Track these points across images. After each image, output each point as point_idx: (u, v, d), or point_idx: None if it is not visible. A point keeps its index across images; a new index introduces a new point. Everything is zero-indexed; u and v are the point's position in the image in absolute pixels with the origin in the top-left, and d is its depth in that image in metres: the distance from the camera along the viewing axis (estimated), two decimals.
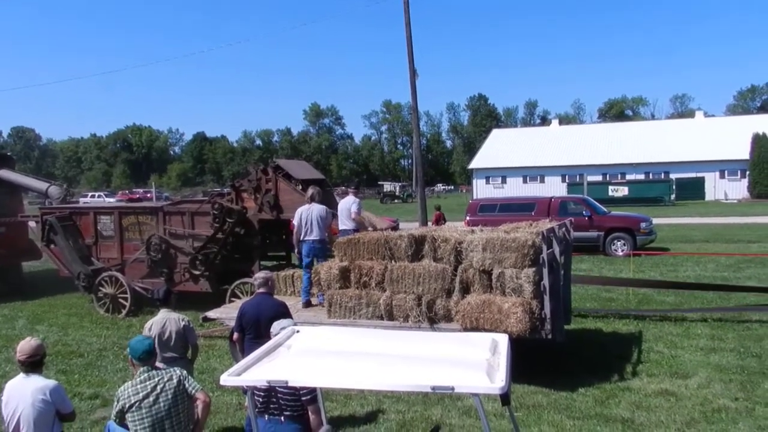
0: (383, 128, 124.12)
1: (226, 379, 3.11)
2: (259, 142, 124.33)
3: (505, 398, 2.78)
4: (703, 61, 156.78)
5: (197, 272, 11.50)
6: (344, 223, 9.69)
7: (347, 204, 9.93)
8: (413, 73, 22.27)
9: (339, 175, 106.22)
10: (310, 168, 13.68)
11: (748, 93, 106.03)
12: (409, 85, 22.47)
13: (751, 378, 7.34)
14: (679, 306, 11.34)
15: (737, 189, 51.94)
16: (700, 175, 52.06)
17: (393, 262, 7.92)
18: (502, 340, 3.48)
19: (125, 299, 11.79)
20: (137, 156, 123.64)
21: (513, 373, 7.16)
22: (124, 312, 11.73)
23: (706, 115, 67.16)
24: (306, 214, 9.15)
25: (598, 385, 7.24)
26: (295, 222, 9.32)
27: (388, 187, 75.63)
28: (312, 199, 9.28)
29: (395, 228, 12.49)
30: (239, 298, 10.24)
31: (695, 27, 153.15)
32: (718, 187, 52.35)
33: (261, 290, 5.98)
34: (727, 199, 50.58)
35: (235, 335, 6.00)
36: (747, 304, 11.00)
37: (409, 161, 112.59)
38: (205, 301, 10.65)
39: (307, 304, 8.99)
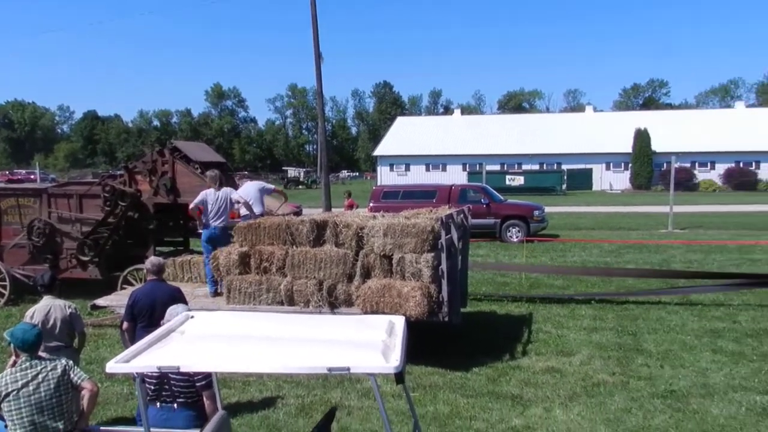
0: (288, 113, 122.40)
1: (113, 366, 2.98)
2: (156, 122, 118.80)
3: (399, 377, 2.86)
4: (594, 57, 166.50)
5: (86, 258, 10.88)
6: (256, 207, 9.49)
7: (254, 187, 9.75)
8: (318, 57, 22.09)
9: (242, 159, 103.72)
10: (210, 150, 13.27)
11: (631, 90, 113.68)
12: (315, 69, 22.27)
13: (626, 354, 7.95)
14: (566, 289, 12.06)
15: (621, 180, 55.77)
16: (588, 166, 55.41)
17: (294, 247, 7.87)
18: (399, 321, 3.56)
19: (4, 287, 10.96)
20: (19, 134, 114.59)
21: (411, 355, 7.34)
22: (2, 301, 10.91)
23: (595, 110, 71.45)
24: (213, 198, 8.90)
25: (491, 365, 7.58)
26: (192, 205, 9.04)
27: (292, 172, 74.90)
28: (219, 183, 9.05)
29: (298, 214, 12.39)
30: (132, 285, 9.80)
31: (587, 24, 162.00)
32: (604, 178, 55.95)
33: (153, 276, 5.76)
34: (611, 190, 54.18)
35: (125, 324, 5.74)
36: (626, 287, 11.89)
37: (314, 147, 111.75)
38: (95, 289, 10.11)
39: (216, 294, 8.75)
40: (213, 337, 3.37)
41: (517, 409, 6.28)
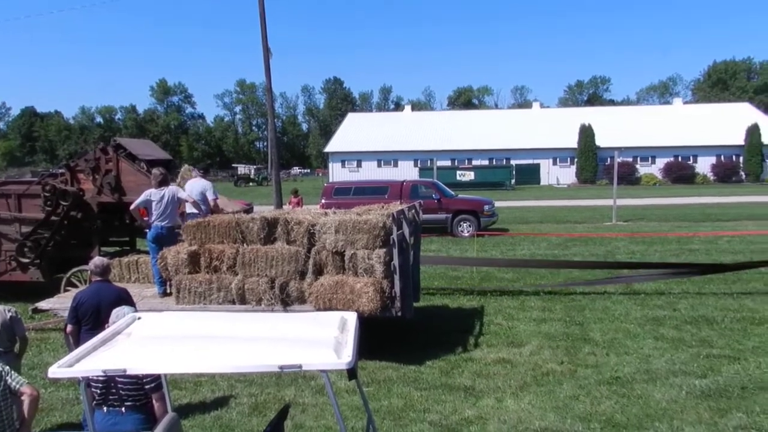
0: (237, 109, 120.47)
1: (56, 371, 2.88)
2: (99, 119, 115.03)
3: (351, 373, 2.87)
4: (540, 54, 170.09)
5: (26, 260, 10.47)
6: (192, 207, 9.32)
7: (199, 188, 9.57)
8: (267, 52, 21.81)
9: (190, 156, 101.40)
10: (156, 147, 12.95)
11: (576, 87, 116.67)
12: (263, 65, 21.99)
13: (574, 344, 8.17)
14: (516, 281, 12.30)
15: (567, 175, 57.20)
16: (536, 161, 56.63)
17: (245, 245, 7.78)
18: (351, 317, 3.57)
19: None
20: None
21: (365, 350, 7.39)
22: None
23: (541, 106, 73.06)
24: (158, 197, 8.69)
25: (444, 357, 7.68)
26: (134, 205, 8.83)
27: (242, 169, 73.79)
28: (166, 182, 8.83)
29: (248, 211, 12.23)
30: (76, 287, 9.49)
31: (534, 22, 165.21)
32: (551, 173, 57.28)
33: (98, 278, 5.59)
34: (558, 184, 55.52)
35: (69, 327, 5.55)
36: (573, 278, 12.21)
37: (265, 143, 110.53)
38: (37, 292, 9.74)
39: (165, 294, 8.54)
40: (161, 338, 3.30)
41: (469, 400, 6.38)
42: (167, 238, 8.73)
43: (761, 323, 8.86)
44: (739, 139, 53.91)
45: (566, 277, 12.38)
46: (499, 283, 12.18)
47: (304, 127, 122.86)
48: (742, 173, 54.54)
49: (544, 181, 56.33)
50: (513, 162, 54.97)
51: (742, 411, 5.89)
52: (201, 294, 7.73)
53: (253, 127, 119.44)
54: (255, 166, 78.69)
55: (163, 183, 8.81)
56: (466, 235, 19.01)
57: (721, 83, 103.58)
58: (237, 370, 3.02)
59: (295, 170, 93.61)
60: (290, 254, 7.56)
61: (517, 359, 7.61)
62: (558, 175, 57.35)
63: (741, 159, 54.39)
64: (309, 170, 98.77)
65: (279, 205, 21.77)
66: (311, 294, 7.47)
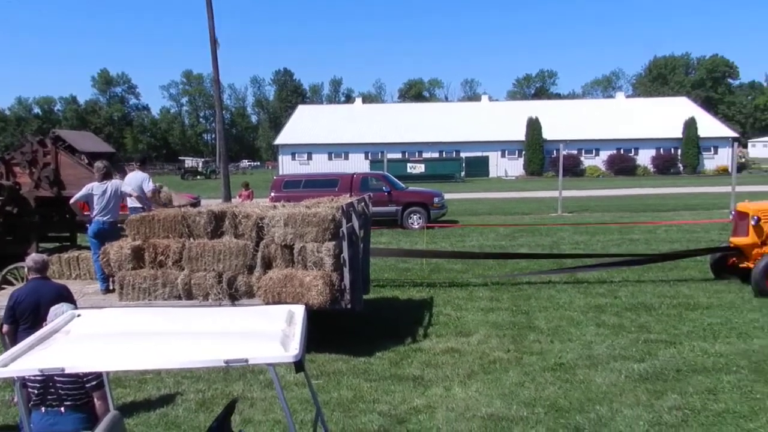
0: (184, 100, 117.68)
1: None
2: (37, 110, 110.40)
3: (298, 366, 2.87)
4: (489, 48, 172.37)
5: None
6: (134, 201, 9.09)
7: (137, 180, 9.33)
8: (214, 43, 21.39)
9: (135, 149, 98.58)
10: (97, 140, 12.55)
11: (524, 81, 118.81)
12: (211, 56, 21.56)
13: (520, 332, 8.37)
14: (465, 273, 12.49)
15: (515, 167, 58.30)
16: (485, 154, 57.44)
17: (191, 239, 7.65)
18: (299, 310, 3.56)
19: None
20: None
21: (315, 343, 7.38)
22: None
23: (490, 99, 74.10)
24: (99, 191, 8.42)
25: (394, 348, 7.75)
26: (73, 199, 8.55)
27: (189, 162, 72.30)
28: (109, 175, 8.57)
29: (196, 205, 12.00)
30: (12, 285, 9.11)
31: (483, 15, 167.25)
32: (499, 166, 58.25)
33: (36, 275, 5.39)
34: (507, 176, 56.54)
35: (5, 327, 5.34)
36: (520, 269, 12.48)
37: (213, 136, 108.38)
38: None
39: (108, 291, 8.30)
40: (102, 336, 3.22)
41: (418, 389, 6.46)
42: (109, 233, 8.49)
43: (695, 309, 9.27)
44: (677, 132, 56.03)
45: (513, 267, 12.64)
46: (448, 275, 12.34)
47: (254, 119, 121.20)
48: (680, 165, 56.74)
49: (493, 174, 57.24)
50: (463, 154, 55.63)
51: (676, 392, 6.17)
52: (145, 290, 7.56)
53: (201, 119, 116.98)
54: (203, 159, 77.25)
55: (106, 176, 8.56)
56: (416, 227, 19.16)
57: (661, 78, 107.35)
58: (181, 366, 2.99)
59: (245, 163, 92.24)
60: (238, 248, 7.48)
61: (465, 348, 7.74)
62: (506, 167, 58.37)
63: (679, 151, 56.56)
64: (259, 163, 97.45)
65: (228, 198, 21.46)
66: (260, 288, 7.41)
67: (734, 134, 60.02)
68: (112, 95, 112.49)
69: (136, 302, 7.51)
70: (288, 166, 58.20)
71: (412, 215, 19.67)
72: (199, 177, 63.98)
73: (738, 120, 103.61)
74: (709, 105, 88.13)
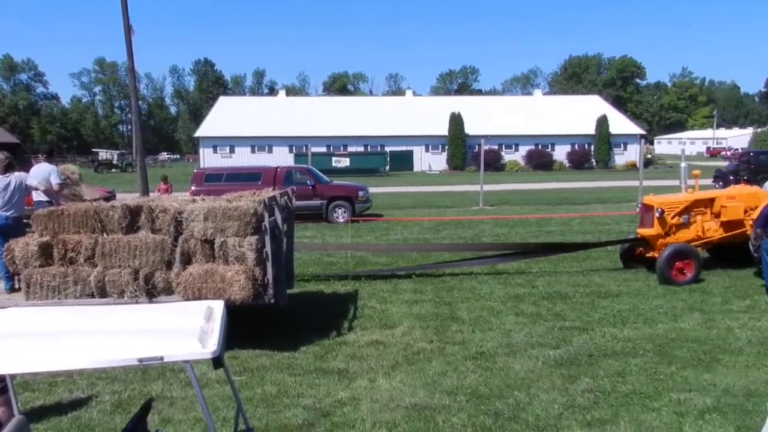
0: (97, 89, 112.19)
1: None
2: None
3: (217, 362, 2.80)
4: (413, 42, 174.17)
5: None
6: (41, 194, 8.60)
7: (44, 173, 8.82)
8: (128, 30, 20.49)
9: (43, 140, 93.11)
10: (0, 130, 11.75)
11: (447, 76, 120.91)
12: (125, 43, 20.64)
13: (443, 323, 8.54)
14: (389, 265, 12.60)
15: (439, 161, 59.31)
16: (409, 148, 58.11)
17: (105, 234, 7.31)
18: (218, 306, 3.48)
19: None
20: None
21: (238, 339, 7.26)
22: None
23: (414, 94, 74.94)
24: (3, 184, 7.89)
25: (318, 342, 7.72)
26: None
27: (104, 155, 69.12)
28: (11, 167, 8.04)
29: (110, 199, 11.49)
30: None
31: (407, 9, 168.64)
32: (423, 160, 59.09)
33: None
34: (430, 171, 57.42)
35: None
36: (443, 261, 12.72)
37: (129, 127, 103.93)
38: None
39: (13, 290, 7.80)
40: (5, 336, 3.03)
41: (343, 382, 6.47)
42: (13, 228, 7.99)
43: (606, 296, 9.76)
44: (590, 129, 58.68)
45: (437, 259, 12.86)
46: (373, 267, 12.41)
47: (173, 110, 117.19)
48: (593, 160, 59.47)
49: (417, 168, 57.98)
50: (387, 149, 55.99)
51: (589, 376, 6.48)
52: (55, 288, 7.17)
53: (116, 110, 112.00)
54: (118, 151, 74.00)
55: (8, 168, 8.05)
56: (341, 221, 19.15)
57: (575, 76, 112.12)
58: (92, 366, 2.85)
59: (164, 156, 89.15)
60: (155, 243, 7.22)
61: (390, 340, 7.81)
62: (430, 161, 59.26)
63: (592, 147, 59.26)
64: (179, 156, 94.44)
65: (145, 192, 20.68)
66: (179, 284, 7.19)
67: (642, 132, 63.58)
68: (16, 83, 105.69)
69: (44, 301, 7.11)
70: (209, 159, 56.70)
71: (336, 209, 19.64)
72: (114, 170, 61.27)
73: (645, 118, 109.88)
74: (619, 103, 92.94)
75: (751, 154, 38.20)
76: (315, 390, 6.27)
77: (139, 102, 23.71)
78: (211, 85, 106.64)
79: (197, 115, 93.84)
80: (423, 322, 8.56)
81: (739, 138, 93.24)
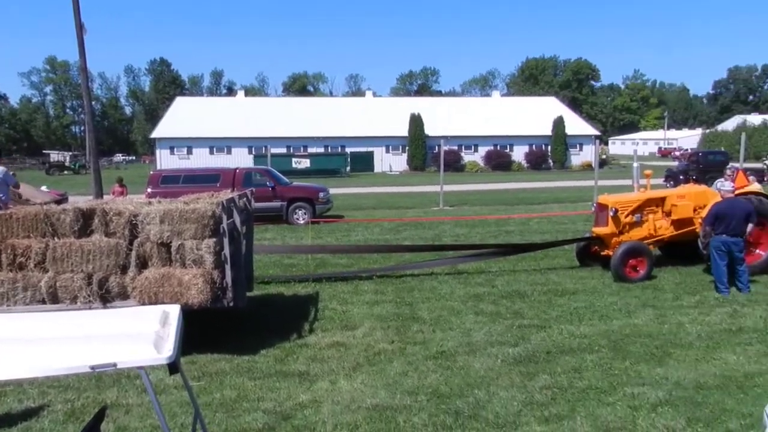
0: (48, 89, 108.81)
1: None
2: None
3: (173, 367, 2.75)
4: (373, 43, 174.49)
5: None
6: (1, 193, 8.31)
7: None
8: (80, 28, 19.93)
9: None
10: None
11: (407, 77, 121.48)
12: (77, 42, 20.07)
13: (404, 323, 8.57)
14: (350, 267, 12.59)
15: (399, 162, 59.46)
16: (370, 149, 58.09)
17: (56, 239, 7.10)
18: (173, 310, 3.41)
19: None
20: None
21: (196, 344, 7.15)
22: None
23: (374, 95, 75.01)
24: None
25: (279, 345, 7.65)
26: None
27: (55, 156, 67.09)
28: None
29: (61, 202, 11.17)
30: None
31: (366, 10, 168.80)
32: (384, 161, 59.15)
33: None
34: (391, 171, 57.54)
35: None
36: (403, 261, 12.77)
37: (82, 128, 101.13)
38: None
39: None
40: None
41: (304, 384, 6.43)
42: None
43: (563, 294, 9.96)
44: (547, 129, 59.73)
45: (398, 260, 12.91)
46: (334, 269, 12.37)
47: (128, 110, 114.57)
48: (550, 161, 60.56)
49: (377, 169, 58.00)
50: (348, 150, 55.87)
51: (546, 373, 6.60)
52: (3, 294, 6.93)
53: (68, 110, 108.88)
54: (70, 153, 71.92)
55: None
56: (302, 222, 19.03)
57: (532, 78, 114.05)
58: (42, 374, 2.77)
59: (119, 157, 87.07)
60: (109, 247, 7.05)
61: (351, 342, 7.81)
62: (391, 162, 59.38)
63: (549, 148, 60.36)
64: (134, 157, 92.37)
65: (99, 194, 20.13)
66: (135, 288, 7.04)
67: (597, 132, 65.10)
68: None
69: None
70: (166, 160, 55.58)
71: (297, 210, 19.50)
72: (66, 172, 59.55)
73: (600, 119, 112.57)
74: (575, 105, 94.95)
75: (700, 154, 39.60)
76: (275, 393, 6.21)
77: (93, 102, 23.11)
78: (168, 85, 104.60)
79: (153, 115, 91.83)
80: (384, 323, 8.58)
81: (688, 139, 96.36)
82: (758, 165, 39.22)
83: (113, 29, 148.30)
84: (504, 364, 6.91)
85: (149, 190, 18.54)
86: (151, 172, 20.84)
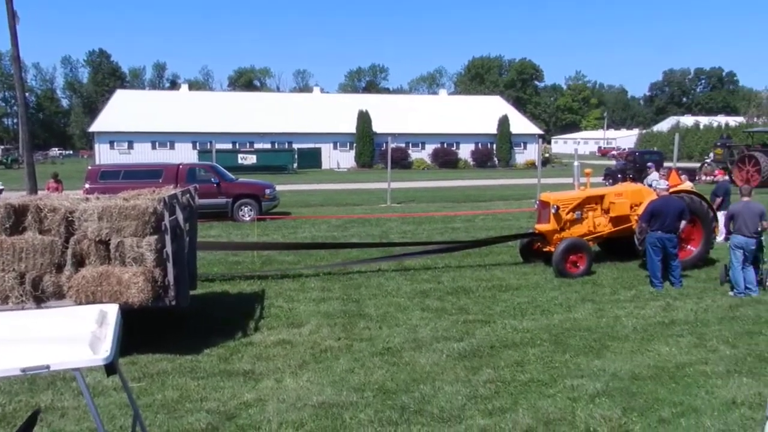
0: None
1: None
2: None
3: (110, 369, 2.67)
4: (321, 39, 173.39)
5: None
6: None
7: None
8: (13, 16, 19.05)
9: None
10: None
11: (355, 74, 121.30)
12: (9, 30, 19.16)
13: (351, 320, 8.58)
14: (297, 264, 12.49)
15: (347, 159, 59.33)
16: (317, 145, 57.74)
17: None
18: (111, 310, 3.31)
19: None
20: None
21: (137, 344, 6.97)
22: None
23: (322, 91, 74.55)
24: None
25: (223, 344, 7.53)
26: None
27: None
28: None
29: None
30: None
31: (316, 6, 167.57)
32: (332, 157, 58.91)
33: None
34: (339, 168, 57.38)
35: None
36: (351, 258, 12.77)
37: (15, 120, 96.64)
38: None
39: None
40: None
41: (249, 383, 6.36)
42: None
43: (507, 290, 10.17)
44: (492, 128, 60.77)
45: (345, 257, 12.89)
46: (280, 266, 12.26)
47: (65, 103, 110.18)
48: (496, 159, 61.67)
49: (325, 165, 57.72)
50: (295, 146, 55.38)
51: (490, 367, 6.73)
52: None
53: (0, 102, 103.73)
54: (2, 147, 68.67)
55: None
56: (248, 219, 18.76)
57: (478, 77, 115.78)
58: None
59: (55, 151, 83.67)
60: (43, 245, 6.77)
61: (297, 339, 7.76)
62: (338, 159, 59.19)
63: (494, 146, 61.44)
64: (72, 152, 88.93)
65: (33, 190, 19.32)
66: (71, 288, 6.78)
67: (540, 132, 66.66)
68: None
69: None
70: (106, 155, 53.70)
71: (243, 207, 19.21)
72: None
73: (543, 119, 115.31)
74: (519, 104, 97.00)
75: (637, 153, 41.16)
76: (219, 393, 6.12)
77: (27, 94, 22.13)
78: (107, 77, 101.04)
79: (92, 108, 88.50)
80: (331, 320, 8.56)
81: (626, 138, 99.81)
82: (691, 165, 41.02)
83: (49, 18, 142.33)
84: (449, 359, 7.00)
85: (87, 185, 17.90)
86: (89, 167, 20.09)
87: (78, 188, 19.03)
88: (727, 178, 16.56)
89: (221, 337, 7.77)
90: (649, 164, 23.06)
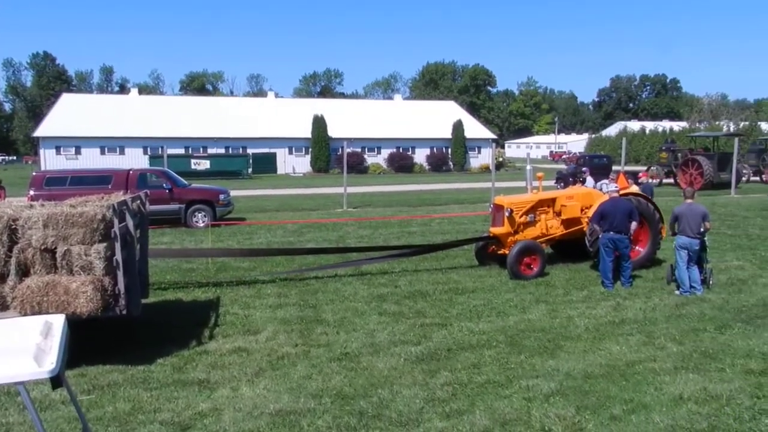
0: None
1: None
2: None
3: (55, 381, 2.57)
4: (275, 44, 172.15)
5: None
6: None
7: None
8: None
9: None
10: None
11: (310, 78, 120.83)
12: None
13: (308, 326, 8.51)
14: (252, 270, 12.33)
15: (303, 164, 58.95)
16: (272, 150, 57.20)
17: None
18: (57, 320, 3.19)
19: None
20: None
21: (86, 355, 6.75)
22: None
23: (277, 95, 73.95)
24: None
25: (177, 353, 7.37)
26: None
27: None
28: None
29: None
30: None
31: (268, 11, 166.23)
32: (287, 162, 58.44)
33: None
34: (294, 173, 56.96)
35: None
36: (307, 264, 12.68)
37: None
38: None
39: None
40: None
41: (204, 393, 6.23)
42: None
43: (463, 293, 10.27)
44: (447, 133, 61.40)
45: (301, 263, 12.79)
46: (235, 273, 12.07)
47: (8, 107, 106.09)
48: (450, 163, 62.31)
49: (280, 170, 57.20)
50: (249, 151, 54.70)
51: (447, 370, 6.78)
52: None
53: None
54: None
55: None
56: (201, 225, 18.42)
57: (432, 83, 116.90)
58: None
59: None
60: None
61: (253, 347, 7.65)
62: (294, 164, 58.75)
63: (449, 151, 62.11)
64: (15, 157, 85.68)
65: None
66: (15, 298, 6.53)
67: (494, 136, 67.70)
68: None
69: None
70: (52, 161, 51.91)
71: (196, 213, 18.85)
72: None
73: (496, 123, 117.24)
74: (473, 109, 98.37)
75: (586, 157, 42.19)
76: (173, 403, 5.97)
77: None
78: (52, 80, 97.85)
79: (36, 113, 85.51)
80: (287, 326, 8.48)
81: (577, 143, 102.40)
82: (637, 168, 42.32)
83: None
84: (407, 363, 7.02)
85: (32, 192, 17.27)
86: (34, 173, 19.39)
87: (22, 195, 18.34)
88: (651, 180, 17.23)
89: (175, 346, 7.60)
90: (584, 169, 23.97)
